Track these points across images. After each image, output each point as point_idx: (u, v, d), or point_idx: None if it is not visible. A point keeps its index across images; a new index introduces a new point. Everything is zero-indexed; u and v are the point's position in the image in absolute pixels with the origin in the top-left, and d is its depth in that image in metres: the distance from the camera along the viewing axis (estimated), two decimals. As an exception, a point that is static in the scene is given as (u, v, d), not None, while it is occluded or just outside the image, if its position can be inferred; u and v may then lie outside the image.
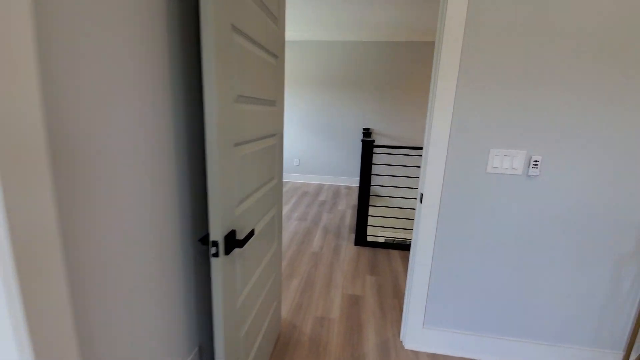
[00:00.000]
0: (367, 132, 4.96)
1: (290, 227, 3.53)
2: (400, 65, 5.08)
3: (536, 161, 1.43)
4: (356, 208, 4.33)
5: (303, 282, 2.40)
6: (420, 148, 2.70)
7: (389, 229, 5.43)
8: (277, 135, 1.48)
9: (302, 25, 4.73)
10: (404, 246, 3.06)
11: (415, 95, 5.14)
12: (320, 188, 5.40)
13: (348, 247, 3.08)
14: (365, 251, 2.99)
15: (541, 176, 1.45)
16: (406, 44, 5.00)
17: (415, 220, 1.69)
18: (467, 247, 1.58)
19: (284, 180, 5.82)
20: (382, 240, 4.19)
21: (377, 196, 5.58)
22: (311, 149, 5.66)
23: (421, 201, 1.57)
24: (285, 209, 4.19)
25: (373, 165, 5.34)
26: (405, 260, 2.84)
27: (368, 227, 4.24)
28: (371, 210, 5.19)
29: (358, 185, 5.66)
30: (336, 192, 5.20)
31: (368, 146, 2.86)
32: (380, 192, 5.58)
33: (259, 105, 1.20)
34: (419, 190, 1.63)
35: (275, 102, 1.42)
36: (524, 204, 1.49)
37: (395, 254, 2.96)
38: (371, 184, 4.74)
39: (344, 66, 5.23)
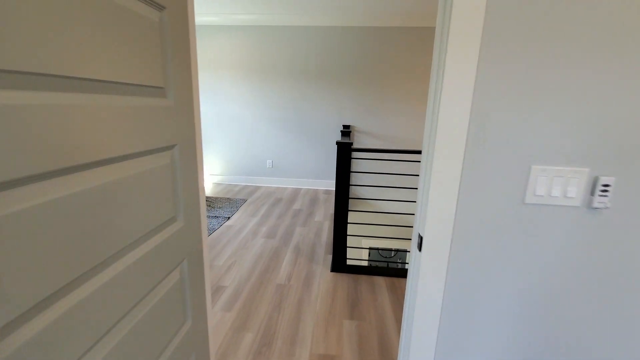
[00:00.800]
0: (347, 131, 4.38)
1: (254, 248, 2.91)
2: (385, 54, 4.50)
3: (606, 185, 0.88)
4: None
5: (259, 337, 1.80)
6: (413, 152, 2.13)
7: (373, 238, 4.90)
8: (178, 147, 0.86)
9: (271, 7, 4.08)
10: (391, 271, 2.50)
11: (403, 87, 4.59)
12: (296, 193, 4.79)
13: (323, 275, 2.49)
14: (344, 280, 2.42)
15: (613, 209, 0.90)
16: (390, 30, 4.43)
17: (410, 274, 1.11)
18: (493, 320, 1.01)
19: (255, 185, 5.18)
20: (364, 263, 3.62)
21: (359, 199, 5.02)
22: (285, 150, 5.04)
23: (420, 248, 1.00)
24: (253, 222, 3.56)
25: (353, 167, 4.77)
26: (394, 292, 2.28)
27: (348, 248, 3.66)
28: (352, 216, 4.63)
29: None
30: (313, 197, 4.61)
31: (345, 150, 2.27)
32: (362, 195, 5.03)
33: (100, 95, 0.58)
34: (415, 230, 1.05)
35: (165, 91, 0.80)
36: (585, 251, 0.93)
37: (381, 282, 2.40)
38: (351, 183, 4.13)
39: (321, 55, 4.62)
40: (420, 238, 0.99)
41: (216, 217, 3.63)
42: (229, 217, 3.65)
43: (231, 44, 4.72)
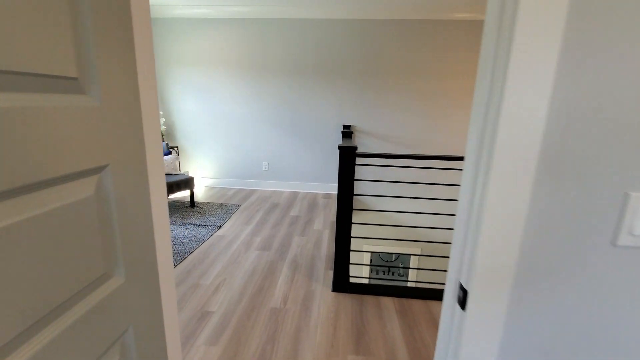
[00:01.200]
0: (348, 132, 4.10)
1: (247, 263, 2.63)
2: (388, 48, 4.22)
3: None
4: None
5: (249, 380, 1.52)
6: (429, 157, 1.85)
7: (374, 241, 4.63)
8: (111, 168, 0.58)
9: (265, -3, 3.79)
10: (400, 290, 2.23)
11: (409, 85, 4.30)
12: (293, 198, 4.51)
13: (323, 295, 2.21)
14: (348, 302, 2.14)
15: None
16: (393, 23, 4.14)
17: (444, 333, 0.83)
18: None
19: (250, 188, 4.89)
20: (367, 272, 3.35)
21: (364, 210, 4.74)
22: (282, 151, 4.75)
23: (462, 305, 0.72)
24: (246, 231, 3.28)
25: (356, 172, 4.49)
26: (404, 317, 2.00)
27: (351, 265, 3.39)
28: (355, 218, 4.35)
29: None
30: (312, 202, 4.33)
31: (348, 156, 1.99)
32: (367, 205, 4.75)
33: None
34: (452, 277, 0.77)
35: (82, 85, 0.52)
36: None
37: (389, 304, 2.12)
38: (355, 193, 3.85)
39: (319, 50, 4.32)
40: (464, 292, 0.71)
41: (206, 225, 3.34)
42: (220, 226, 3.36)
43: (223, 39, 4.42)
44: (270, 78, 4.49)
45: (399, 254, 7.04)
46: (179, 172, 3.88)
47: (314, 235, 3.24)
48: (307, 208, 4.10)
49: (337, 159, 4.68)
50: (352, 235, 3.61)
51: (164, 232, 0.79)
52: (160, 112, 4.69)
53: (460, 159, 1.96)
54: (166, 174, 3.74)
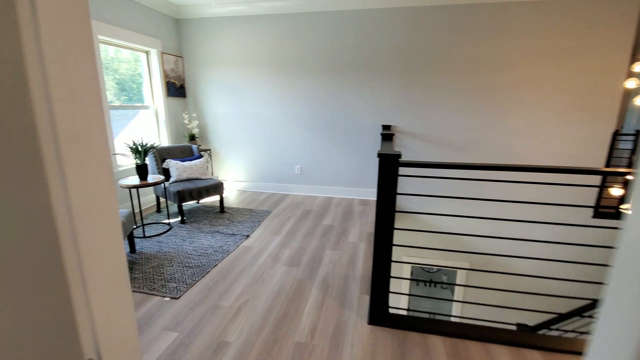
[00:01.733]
0: (388, 133, 3.69)
1: (273, 281, 2.36)
2: (436, 38, 3.75)
3: None
4: (372, 237, 3.11)
5: None
6: (502, 168, 1.43)
7: (420, 252, 4.19)
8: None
9: (298, -11, 3.51)
10: (451, 328, 1.82)
11: (463, 79, 3.80)
12: (327, 204, 4.20)
13: (358, 328, 1.87)
14: (386, 340, 1.78)
15: None
16: (442, 9, 3.66)
17: None
18: None
19: (282, 193, 4.67)
20: (409, 309, 2.94)
21: (401, 210, 4.31)
22: (316, 154, 4.46)
23: None
24: (275, 242, 3.03)
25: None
26: (459, 367, 1.60)
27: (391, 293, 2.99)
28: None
29: (376, 198, 4.41)
30: (348, 209, 3.98)
31: (390, 164, 1.63)
32: (408, 207, 4.31)
33: None
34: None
35: None
36: None
37: (438, 345, 1.73)
38: (397, 209, 3.45)
39: (356, 44, 3.97)
40: None
41: (233, 234, 3.14)
42: (247, 235, 3.14)
43: (255, 37, 4.23)
44: (303, 77, 4.22)
45: (440, 267, 6.43)
46: (209, 177, 3.74)
47: (349, 249, 2.90)
48: (341, 216, 3.76)
49: (375, 162, 4.29)
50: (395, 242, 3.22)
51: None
52: (194, 115, 4.63)
53: (548, 170, 1.52)
54: (195, 179, 3.61)
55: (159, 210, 3.82)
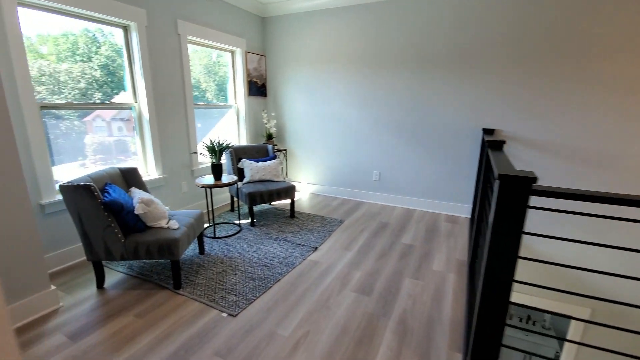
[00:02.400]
0: (495, 141, 2.99)
1: (339, 311, 2.01)
2: (560, 18, 2.90)
3: None
4: (465, 267, 2.51)
5: None
6: None
7: (537, 290, 3.40)
8: None
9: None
10: None
11: (593, 70, 2.90)
12: (407, 217, 3.68)
13: (446, 406, 1.39)
14: None
15: None
16: (578, -19, 2.80)
17: None
18: None
19: (357, 200, 4.29)
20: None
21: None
22: (397, 159, 3.96)
23: None
24: (345, 259, 2.68)
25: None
26: None
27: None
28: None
29: (469, 216, 3.70)
30: (432, 226, 3.40)
31: (517, 189, 1.11)
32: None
33: None
34: None
35: None
36: None
37: None
38: (520, 256, 2.75)
39: (452, 34, 3.34)
40: None
41: (301, 245, 2.89)
42: (316, 248, 2.86)
43: (336, 31, 3.93)
44: (387, 74, 3.76)
45: (555, 314, 5.29)
46: (281, 179, 3.58)
47: (433, 280, 2.38)
48: (424, 234, 3.21)
49: (471, 173, 3.59)
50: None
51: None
52: (272, 114, 4.56)
53: None
54: (268, 181, 3.48)
55: (232, 209, 3.82)
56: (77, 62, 2.57)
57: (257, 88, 4.42)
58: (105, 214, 2.00)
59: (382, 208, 4.02)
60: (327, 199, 4.38)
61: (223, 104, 4.12)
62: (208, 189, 3.71)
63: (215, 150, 2.94)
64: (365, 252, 2.82)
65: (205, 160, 3.80)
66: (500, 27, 3.13)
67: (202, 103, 3.76)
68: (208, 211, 3.24)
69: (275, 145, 4.53)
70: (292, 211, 3.59)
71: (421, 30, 3.49)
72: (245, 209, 3.87)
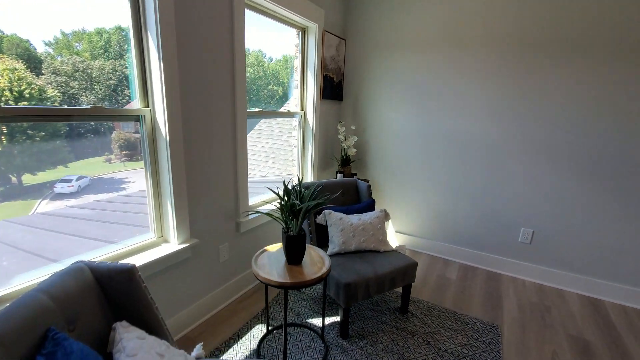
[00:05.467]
0: None
1: None
2: None
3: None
4: None
5: None
6: None
7: None
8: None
9: None
10: None
11: None
12: (588, 310, 2.07)
13: None
14: None
15: None
16: None
17: None
18: None
19: (488, 269, 2.70)
20: None
21: None
22: (565, 208, 2.35)
23: None
24: None
25: None
26: None
27: None
28: None
29: None
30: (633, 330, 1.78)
31: None
32: None
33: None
34: None
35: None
36: None
37: None
38: None
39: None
40: None
41: None
42: None
43: (457, 5, 2.38)
44: (547, 68, 2.17)
45: None
46: (389, 248, 2.05)
47: None
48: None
49: None
50: None
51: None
52: (352, 127, 3.05)
53: None
54: (370, 252, 1.98)
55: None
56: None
57: (333, 88, 2.94)
58: None
59: (538, 288, 2.42)
60: (435, 261, 2.82)
61: (286, 110, 2.67)
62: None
63: (297, 209, 1.45)
64: None
65: (259, 189, 2.35)
66: None
67: (258, 109, 2.29)
68: (267, 313, 1.77)
69: (356, 174, 3.02)
70: (405, 304, 2.06)
71: (611, 10, 1.88)
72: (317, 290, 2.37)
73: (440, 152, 2.75)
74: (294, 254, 1.51)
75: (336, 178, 2.95)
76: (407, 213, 3.02)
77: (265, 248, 1.71)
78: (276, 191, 1.59)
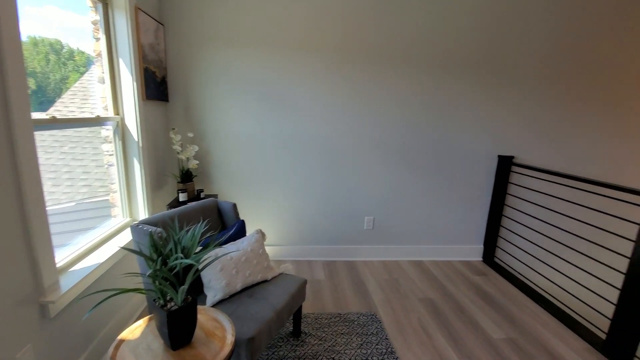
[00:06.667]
0: (511, 170, 2.40)
1: None
2: (603, 29, 2.64)
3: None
4: None
5: None
6: None
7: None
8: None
9: None
10: None
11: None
12: (418, 272, 2.68)
13: None
14: None
15: None
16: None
17: None
18: None
19: (343, 259, 2.92)
20: None
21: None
22: (398, 197, 2.89)
23: None
24: None
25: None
26: None
27: None
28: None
29: (480, 258, 3.07)
30: (474, 285, 2.54)
31: None
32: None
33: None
34: None
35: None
36: None
37: None
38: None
39: (470, 35, 2.59)
40: None
41: None
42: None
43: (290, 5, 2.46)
44: (393, 74, 2.62)
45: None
46: (275, 271, 1.80)
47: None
48: (481, 299, 2.30)
49: (479, 213, 2.96)
50: None
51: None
52: (190, 135, 2.49)
53: None
54: (259, 284, 1.68)
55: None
56: None
57: (156, 85, 2.28)
58: None
59: (385, 267, 2.84)
60: (301, 266, 2.78)
61: (90, 116, 1.82)
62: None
63: (181, 270, 0.96)
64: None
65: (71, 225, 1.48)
66: (532, 35, 2.59)
67: (50, 116, 1.42)
68: None
69: (201, 191, 2.50)
70: (297, 325, 1.89)
71: (432, 24, 2.53)
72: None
73: (284, 156, 2.70)
74: (180, 334, 1.02)
75: (179, 198, 2.35)
76: (265, 223, 2.82)
77: (121, 337, 1.08)
78: (136, 249, 1.01)
